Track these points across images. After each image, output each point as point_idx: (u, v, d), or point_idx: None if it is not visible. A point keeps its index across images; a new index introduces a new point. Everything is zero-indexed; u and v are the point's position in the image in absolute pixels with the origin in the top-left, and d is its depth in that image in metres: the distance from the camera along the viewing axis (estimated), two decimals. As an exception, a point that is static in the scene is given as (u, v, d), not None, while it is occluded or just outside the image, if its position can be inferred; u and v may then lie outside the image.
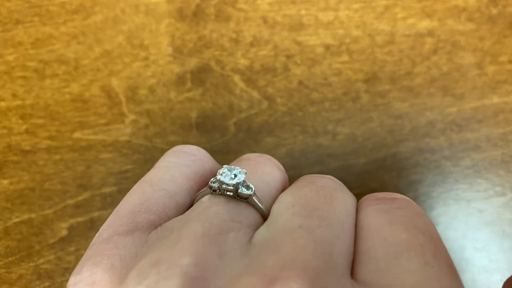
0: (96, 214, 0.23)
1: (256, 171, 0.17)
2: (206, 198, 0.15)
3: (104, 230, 0.15)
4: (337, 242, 0.14)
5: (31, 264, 0.22)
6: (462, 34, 0.25)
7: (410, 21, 0.24)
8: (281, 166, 0.18)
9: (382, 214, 0.15)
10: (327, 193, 0.16)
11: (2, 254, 0.22)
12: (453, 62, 0.24)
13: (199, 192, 0.16)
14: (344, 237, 0.15)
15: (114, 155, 0.23)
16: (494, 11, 0.25)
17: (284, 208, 0.15)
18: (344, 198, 0.16)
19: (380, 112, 0.23)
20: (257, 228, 0.15)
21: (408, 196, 0.23)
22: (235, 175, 0.15)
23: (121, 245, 0.14)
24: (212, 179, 0.15)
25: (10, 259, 0.22)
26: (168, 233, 0.14)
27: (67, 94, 0.24)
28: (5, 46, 0.24)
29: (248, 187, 0.15)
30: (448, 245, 0.23)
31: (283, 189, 0.17)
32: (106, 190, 0.22)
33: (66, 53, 0.24)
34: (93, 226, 0.23)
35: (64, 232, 0.22)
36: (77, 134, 0.23)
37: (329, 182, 0.16)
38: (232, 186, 0.15)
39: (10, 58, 0.24)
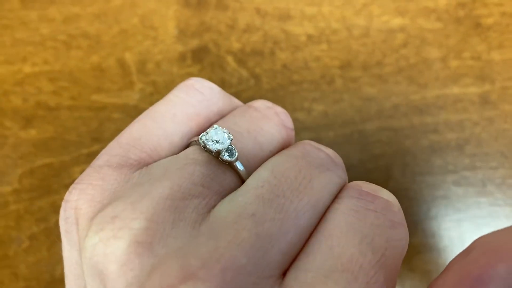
0: None
1: (253, 129, 0.16)
2: (190, 151, 0.15)
3: (102, 155, 0.15)
4: (281, 240, 0.13)
5: (49, 199, 0.25)
6: (430, 31, 0.27)
7: (385, 18, 0.27)
8: (288, 122, 0.17)
9: (351, 214, 0.14)
10: (307, 175, 0.14)
11: (27, 190, 0.25)
12: (420, 56, 0.27)
13: (192, 140, 0.16)
14: (293, 235, 0.13)
15: (123, 115, 0.26)
16: (461, 13, 0.27)
17: (253, 186, 0.14)
18: (325, 183, 0.15)
19: (351, 95, 0.26)
20: (229, 193, 0.15)
21: (368, 167, 0.26)
22: (217, 141, 0.15)
23: (107, 178, 0.15)
24: (201, 136, 0.15)
25: (33, 194, 0.26)
26: (145, 179, 0.14)
27: (88, 63, 0.27)
28: (41, 21, 0.27)
29: (231, 154, 0.15)
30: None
31: (281, 149, 0.16)
32: (114, 144, 0.26)
33: (89, 30, 0.27)
34: None
35: (77, 175, 0.25)
36: (94, 97, 0.27)
37: (324, 159, 0.15)
38: (214, 151, 0.15)
39: (44, 31, 0.27)
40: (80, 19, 0.28)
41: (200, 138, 0.15)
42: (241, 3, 0.27)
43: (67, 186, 0.25)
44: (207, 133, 0.15)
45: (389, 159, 0.26)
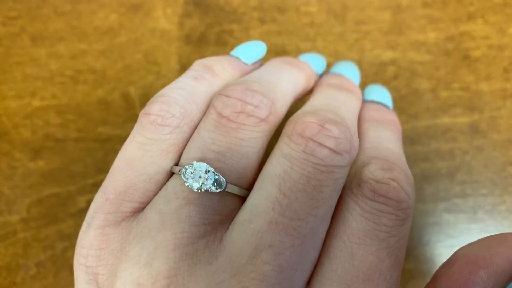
0: None
1: (234, 144, 0.15)
2: (179, 187, 0.15)
3: (97, 213, 0.16)
4: (303, 263, 0.14)
5: (56, 228, 0.26)
6: (420, 64, 0.28)
7: (376, 52, 0.28)
8: (264, 112, 0.15)
9: (367, 217, 0.14)
10: (316, 184, 0.14)
11: (34, 218, 0.26)
12: (411, 87, 0.28)
13: (174, 170, 0.15)
14: (313, 253, 0.14)
15: None
16: (450, 46, 0.28)
17: (264, 210, 0.14)
18: (334, 184, 0.14)
19: (345, 125, 0.28)
20: (234, 214, 0.15)
21: None
22: (200, 177, 0.14)
23: (111, 238, 0.15)
24: (182, 171, 0.15)
25: (40, 222, 0.26)
26: (146, 230, 0.14)
27: (94, 97, 0.28)
28: (49, 57, 0.28)
29: (219, 184, 0.14)
30: None
31: (276, 127, 0.16)
32: (118, 174, 0.27)
33: (95, 65, 0.29)
34: None
35: (83, 204, 0.27)
36: (99, 129, 0.28)
37: (329, 156, 0.14)
38: (202, 191, 0.14)
39: (53, 67, 0.28)
40: (87, 55, 0.29)
41: (183, 175, 0.14)
42: (239, 39, 0.28)
43: (73, 215, 0.26)
44: (185, 176, 0.14)
45: None
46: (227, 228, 0.14)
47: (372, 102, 0.20)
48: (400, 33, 0.28)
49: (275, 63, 0.18)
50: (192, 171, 0.14)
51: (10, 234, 0.26)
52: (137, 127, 0.16)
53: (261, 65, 0.20)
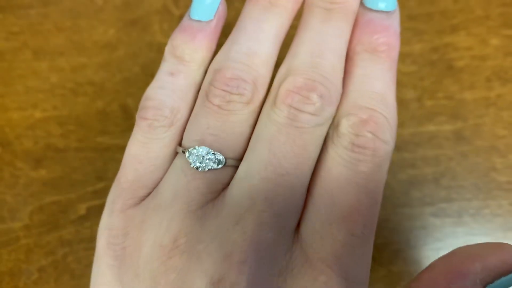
0: None
1: (226, 126, 0.17)
2: (186, 166, 0.17)
3: (116, 199, 0.18)
4: (294, 208, 0.16)
5: (57, 234, 0.27)
6: (406, 74, 0.29)
7: None
8: (247, 93, 0.17)
9: (346, 166, 0.16)
10: (301, 143, 0.16)
11: (36, 225, 0.27)
12: (397, 97, 0.28)
13: (179, 150, 0.17)
14: (301, 198, 0.16)
15: None
16: (435, 56, 0.29)
17: (257, 169, 0.16)
18: (317, 140, 0.16)
19: (334, 133, 0.29)
20: (233, 176, 0.17)
21: None
22: (202, 158, 0.16)
23: (133, 217, 0.17)
24: (187, 155, 0.17)
25: (41, 229, 0.27)
26: (162, 204, 0.17)
27: (93, 108, 0.29)
28: (50, 71, 0.29)
29: (219, 162, 0.16)
30: (383, 242, 0.28)
31: (257, 117, 0.17)
32: (117, 182, 0.28)
33: (95, 78, 0.29)
34: None
35: (83, 212, 0.27)
36: (99, 139, 0.28)
37: (311, 118, 0.16)
38: (206, 170, 0.16)
39: (54, 80, 0.29)
40: (87, 69, 0.30)
41: (188, 158, 0.17)
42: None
43: (73, 222, 0.27)
44: (190, 153, 0.17)
45: None
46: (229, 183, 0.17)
47: (369, 11, 0.18)
48: None
49: (253, 14, 0.18)
50: (195, 154, 0.16)
51: (13, 241, 0.27)
52: (136, 129, 0.18)
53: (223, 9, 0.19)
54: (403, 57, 0.29)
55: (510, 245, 0.16)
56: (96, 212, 0.28)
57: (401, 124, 0.28)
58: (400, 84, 0.29)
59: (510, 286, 0.15)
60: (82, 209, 0.28)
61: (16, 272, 0.27)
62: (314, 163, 0.16)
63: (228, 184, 0.17)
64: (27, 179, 0.28)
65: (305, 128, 0.16)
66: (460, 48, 0.29)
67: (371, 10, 0.18)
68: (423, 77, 0.29)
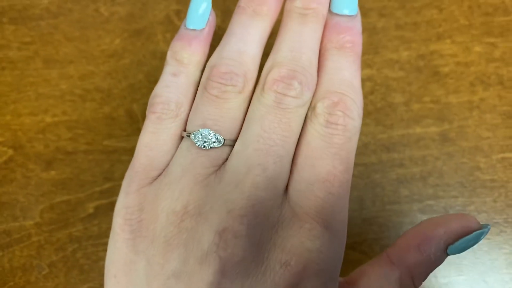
0: (115, 198, 0.28)
1: (223, 112, 0.20)
2: (193, 146, 0.20)
3: (132, 182, 0.20)
4: (283, 172, 0.19)
5: (66, 231, 0.28)
6: (394, 80, 0.30)
7: None
8: (238, 83, 0.20)
9: (322, 139, 0.19)
10: (286, 120, 0.19)
11: (47, 223, 0.28)
12: (386, 101, 0.30)
13: (184, 134, 0.20)
14: (289, 164, 0.19)
15: (131, 157, 0.28)
16: (421, 63, 0.30)
17: (251, 141, 0.19)
18: (299, 117, 0.19)
19: (327, 135, 0.30)
20: (230, 153, 0.20)
21: None
22: (205, 140, 0.19)
23: (147, 193, 0.20)
24: (192, 137, 0.19)
25: (52, 227, 0.28)
26: (173, 179, 0.19)
27: (101, 113, 0.30)
28: (60, 78, 0.30)
29: (219, 141, 0.19)
30: (374, 237, 0.29)
31: (249, 102, 0.20)
32: (123, 182, 0.29)
33: (102, 84, 0.30)
34: (113, 207, 0.27)
35: (91, 210, 0.29)
36: (106, 142, 0.29)
37: (293, 101, 0.19)
38: (208, 148, 0.19)
39: (63, 87, 0.30)
40: (94, 76, 0.30)
41: (193, 139, 0.19)
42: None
43: (82, 220, 0.29)
44: (195, 135, 0.19)
45: (361, 191, 0.29)
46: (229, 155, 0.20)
47: (335, 16, 0.21)
48: (376, 52, 0.31)
49: (240, 21, 0.21)
50: (200, 135, 0.19)
51: (25, 238, 0.29)
52: (147, 122, 0.21)
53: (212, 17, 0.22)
54: (391, 63, 0.31)
55: (471, 215, 0.20)
56: (103, 211, 0.29)
57: (390, 126, 0.30)
58: (389, 89, 0.30)
59: (468, 246, 0.19)
60: (90, 208, 0.29)
61: (28, 267, 0.28)
62: (297, 137, 0.20)
63: (227, 159, 0.20)
64: (38, 180, 0.29)
65: (289, 108, 0.19)
66: (445, 55, 0.31)
67: (337, 14, 0.21)
68: (411, 82, 0.30)
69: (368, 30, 0.31)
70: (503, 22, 0.31)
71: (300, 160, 0.19)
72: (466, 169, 0.29)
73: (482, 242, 0.28)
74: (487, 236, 0.29)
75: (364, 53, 0.31)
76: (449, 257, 0.27)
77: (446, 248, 0.20)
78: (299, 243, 0.18)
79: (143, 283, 0.19)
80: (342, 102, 0.19)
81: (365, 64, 0.31)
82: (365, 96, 0.30)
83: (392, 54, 0.31)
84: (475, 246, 0.27)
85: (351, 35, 0.21)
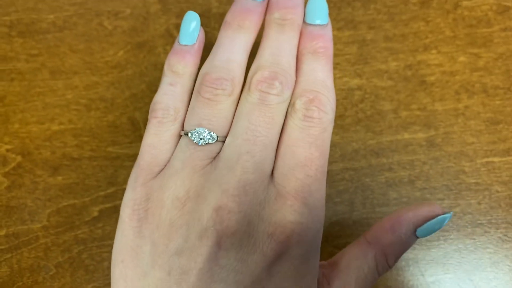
0: (118, 202, 0.29)
1: (215, 113, 0.22)
2: (191, 143, 0.22)
3: (138, 177, 0.22)
4: (268, 157, 0.22)
5: (72, 233, 0.29)
6: (383, 88, 0.31)
7: (345, 79, 0.31)
8: (226, 86, 0.22)
9: (300, 131, 0.22)
10: (269, 114, 0.22)
11: (54, 226, 0.29)
12: (375, 109, 0.31)
13: (182, 133, 0.23)
14: (272, 153, 0.22)
15: (133, 163, 0.29)
16: (409, 73, 0.31)
17: (240, 133, 0.21)
18: (281, 112, 0.22)
19: (320, 141, 0.31)
20: (223, 145, 0.22)
21: (335, 200, 0.30)
22: (201, 138, 0.21)
23: (152, 185, 0.22)
24: (190, 135, 0.22)
25: (59, 229, 0.29)
26: (174, 171, 0.22)
27: (105, 121, 0.30)
28: (66, 88, 0.31)
29: (212, 138, 0.22)
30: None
31: (237, 103, 0.23)
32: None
33: (106, 94, 0.31)
34: (116, 210, 0.29)
35: (95, 214, 0.29)
36: (109, 148, 0.30)
37: (276, 98, 0.22)
38: (204, 144, 0.22)
39: (69, 96, 0.31)
40: (98, 86, 0.31)
41: (190, 137, 0.22)
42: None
43: (87, 223, 0.30)
44: (192, 133, 0.22)
45: (352, 194, 0.30)
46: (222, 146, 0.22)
47: (309, 25, 0.24)
48: (365, 63, 0.31)
49: (227, 34, 0.24)
50: (196, 133, 0.22)
51: (33, 240, 0.29)
52: (150, 125, 0.23)
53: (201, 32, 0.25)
54: (380, 73, 0.32)
55: (436, 203, 0.24)
56: (107, 214, 0.30)
57: (379, 133, 0.31)
58: (378, 98, 0.32)
59: (434, 229, 0.22)
60: (95, 211, 0.29)
61: (36, 268, 0.29)
62: (279, 129, 0.22)
63: (219, 152, 0.22)
64: (45, 185, 0.30)
65: (272, 105, 0.22)
66: (431, 65, 0.32)
67: (310, 24, 0.24)
68: (399, 91, 0.31)
69: (358, 42, 0.32)
70: (486, 33, 0.32)
71: (283, 148, 0.22)
72: (451, 173, 0.30)
73: (467, 242, 0.30)
74: (472, 236, 0.30)
75: (354, 63, 0.32)
76: (436, 256, 0.29)
77: (415, 230, 0.23)
78: (282, 216, 0.21)
79: (148, 263, 0.21)
80: (317, 99, 0.22)
81: (356, 74, 0.32)
82: (355, 104, 0.31)
83: (381, 65, 0.32)
84: (461, 246, 0.29)
85: (323, 42, 0.23)
